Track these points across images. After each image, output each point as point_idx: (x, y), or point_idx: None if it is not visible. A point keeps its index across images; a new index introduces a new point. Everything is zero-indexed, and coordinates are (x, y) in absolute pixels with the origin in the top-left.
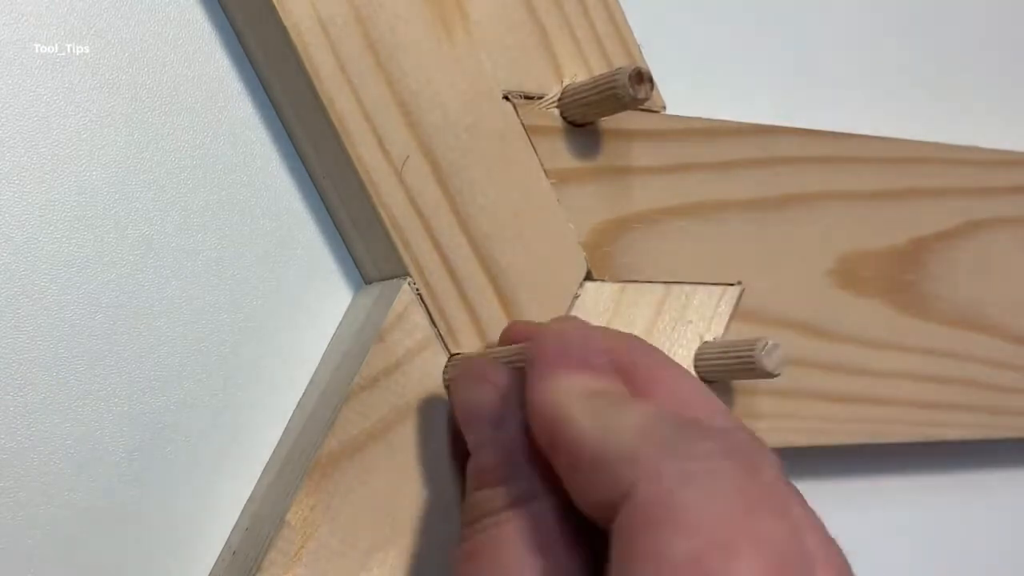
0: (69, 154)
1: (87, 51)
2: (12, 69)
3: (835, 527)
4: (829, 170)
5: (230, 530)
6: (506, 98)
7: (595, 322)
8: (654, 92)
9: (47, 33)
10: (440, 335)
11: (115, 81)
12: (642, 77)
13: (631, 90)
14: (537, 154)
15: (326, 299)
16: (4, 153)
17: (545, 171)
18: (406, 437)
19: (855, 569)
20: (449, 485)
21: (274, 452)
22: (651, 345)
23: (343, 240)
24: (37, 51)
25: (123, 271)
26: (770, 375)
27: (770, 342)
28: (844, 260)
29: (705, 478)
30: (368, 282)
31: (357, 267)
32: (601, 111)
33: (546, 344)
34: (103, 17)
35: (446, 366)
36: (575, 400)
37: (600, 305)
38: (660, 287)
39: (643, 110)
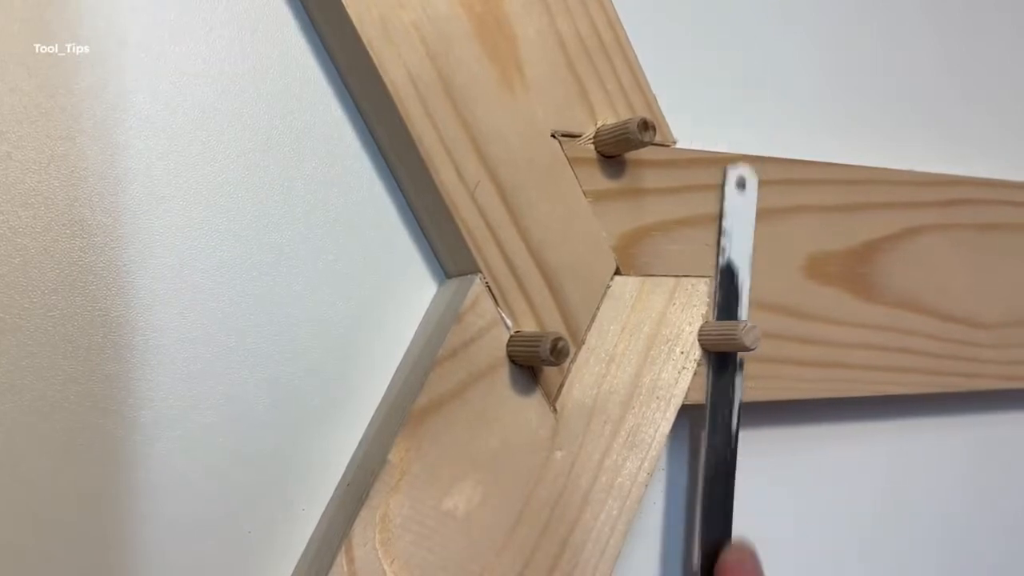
0: (220, 181)
1: (237, 105)
2: (196, 129)
3: (807, 463)
4: (800, 189)
5: (345, 466)
6: (553, 136)
7: (622, 307)
8: (666, 131)
9: (206, 92)
10: (503, 317)
11: (255, 126)
12: (647, 125)
13: (639, 135)
14: (577, 179)
15: (416, 291)
16: (179, 185)
17: (584, 192)
18: (478, 395)
19: (824, 493)
20: (510, 432)
21: (378, 407)
22: None
23: (430, 245)
24: (200, 104)
25: (262, 270)
26: (749, 349)
27: (749, 325)
28: (812, 258)
29: None
30: (449, 277)
31: (440, 266)
32: (622, 149)
33: (732, 570)
34: (248, 77)
35: (508, 341)
36: None
37: (626, 294)
38: (672, 279)
39: (657, 144)
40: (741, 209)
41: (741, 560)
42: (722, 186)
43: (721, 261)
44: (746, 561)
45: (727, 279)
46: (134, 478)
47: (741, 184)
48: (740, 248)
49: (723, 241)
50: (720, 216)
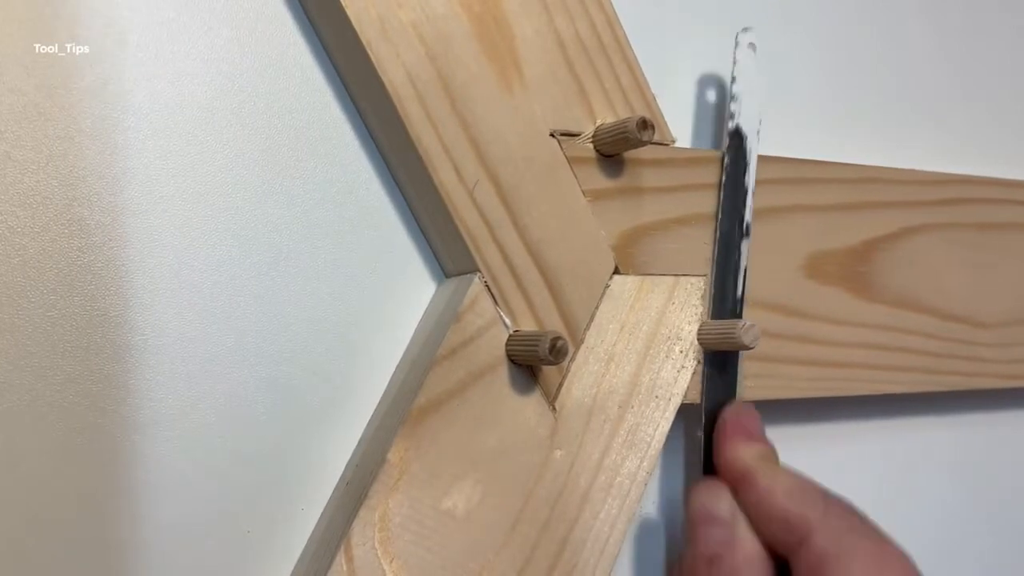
0: (219, 181)
1: (235, 104)
2: (195, 128)
3: (806, 462)
4: (799, 188)
5: (344, 466)
6: (552, 136)
7: (621, 306)
8: (665, 130)
9: (205, 91)
10: (502, 317)
11: (254, 126)
12: (646, 124)
13: (638, 134)
14: (576, 178)
15: (415, 290)
16: (178, 185)
17: (583, 191)
18: (477, 394)
19: None
20: (509, 431)
21: (377, 407)
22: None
23: (428, 244)
24: (199, 103)
25: (261, 270)
26: (747, 347)
27: (748, 323)
28: (812, 257)
29: (852, 535)
30: (447, 276)
31: (439, 265)
32: (621, 148)
33: (729, 422)
34: (247, 76)
35: (507, 340)
36: (756, 460)
37: (625, 293)
38: (671, 279)
39: (656, 143)
40: (751, 73)
41: (738, 413)
42: (734, 51)
43: (730, 125)
44: (743, 414)
45: (736, 143)
46: (133, 478)
47: (752, 47)
48: (748, 113)
49: (732, 106)
50: (731, 81)
